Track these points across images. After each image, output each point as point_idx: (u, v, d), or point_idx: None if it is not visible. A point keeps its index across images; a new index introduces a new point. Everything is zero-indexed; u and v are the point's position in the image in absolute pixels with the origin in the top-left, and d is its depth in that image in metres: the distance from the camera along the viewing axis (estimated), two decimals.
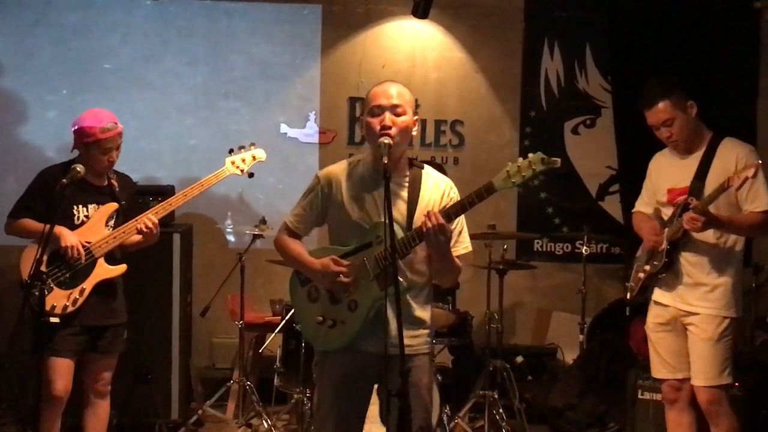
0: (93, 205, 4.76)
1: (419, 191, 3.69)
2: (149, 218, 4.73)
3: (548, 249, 7.60)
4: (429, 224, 3.42)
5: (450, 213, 3.50)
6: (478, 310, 6.59)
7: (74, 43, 7.22)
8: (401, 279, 3.52)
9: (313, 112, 7.41)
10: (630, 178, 6.97)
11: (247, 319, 6.22)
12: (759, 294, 6.76)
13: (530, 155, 3.41)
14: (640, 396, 5.52)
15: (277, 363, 5.99)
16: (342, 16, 7.40)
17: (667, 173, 4.71)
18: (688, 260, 4.54)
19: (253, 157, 5.15)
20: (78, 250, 4.58)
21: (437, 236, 3.43)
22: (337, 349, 3.71)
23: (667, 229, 4.59)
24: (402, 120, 3.61)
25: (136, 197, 5.14)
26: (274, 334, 6.00)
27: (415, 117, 3.71)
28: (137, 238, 4.81)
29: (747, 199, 4.40)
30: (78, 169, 4.35)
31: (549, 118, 7.57)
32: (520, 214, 7.53)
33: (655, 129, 4.62)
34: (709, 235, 4.47)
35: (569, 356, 7.09)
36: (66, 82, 7.22)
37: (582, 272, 6.70)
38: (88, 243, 4.65)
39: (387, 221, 3.33)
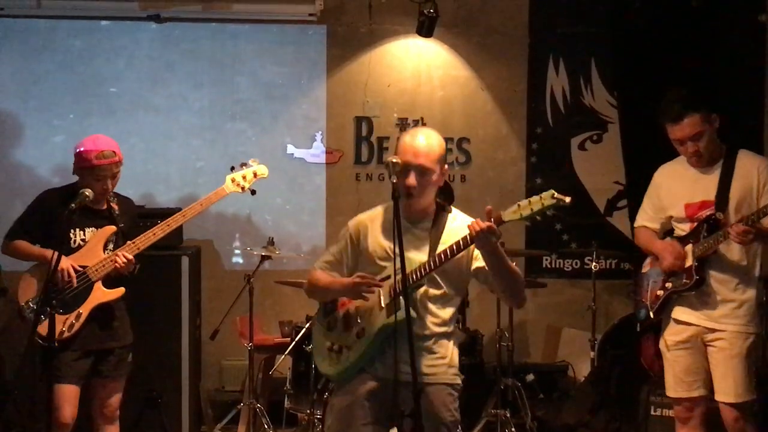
0: (91, 228, 4.74)
1: (442, 234, 3.72)
2: (125, 255, 4.67)
3: (557, 266, 7.57)
4: (477, 228, 3.42)
5: (461, 243, 3.54)
6: (488, 328, 6.57)
7: (80, 67, 7.24)
8: (412, 311, 3.51)
9: (320, 132, 7.41)
10: (638, 193, 6.86)
11: (257, 341, 6.20)
12: None
13: (542, 193, 3.41)
14: (652, 412, 5.50)
15: (287, 385, 5.98)
16: (347, 36, 7.41)
17: (683, 187, 4.61)
18: (715, 277, 4.46)
19: (255, 174, 5.08)
20: (69, 273, 4.56)
21: (487, 237, 3.44)
22: (338, 374, 3.76)
23: (691, 246, 4.49)
24: (427, 179, 3.66)
25: (137, 220, 5.08)
26: (283, 355, 5.98)
27: (445, 166, 3.78)
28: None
29: None
30: (86, 193, 4.35)
31: (556, 135, 7.56)
32: (528, 231, 7.51)
33: (679, 143, 4.51)
34: (735, 252, 4.43)
35: (580, 373, 7.05)
36: (72, 106, 7.23)
37: (591, 288, 6.68)
38: (84, 267, 4.63)
39: (396, 246, 3.36)
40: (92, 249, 4.70)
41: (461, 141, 7.47)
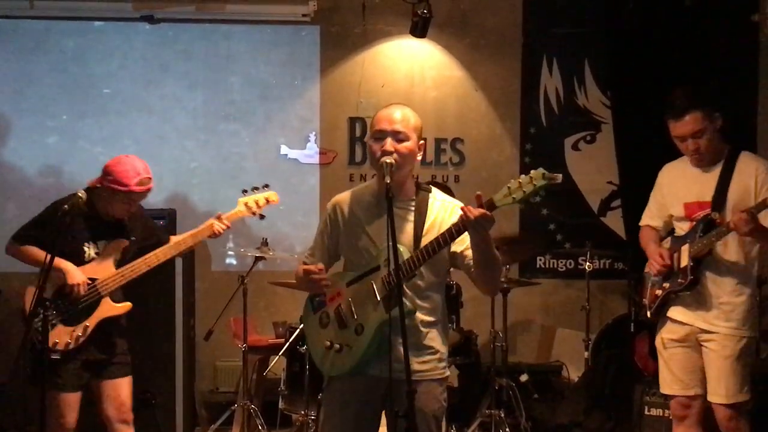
0: (102, 241, 4.73)
1: (425, 214, 3.67)
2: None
3: (551, 266, 7.58)
4: (471, 216, 3.34)
5: (452, 231, 3.47)
6: (482, 328, 6.57)
7: (73, 68, 7.23)
8: (407, 302, 3.52)
9: (313, 133, 7.41)
10: (631, 193, 6.98)
11: (251, 342, 6.19)
12: (764, 307, 6.72)
13: (532, 171, 3.34)
14: (646, 412, 5.50)
15: (281, 386, 5.96)
16: (340, 36, 7.41)
17: (683, 186, 4.61)
18: (710, 278, 4.45)
19: (267, 200, 5.12)
20: (83, 288, 4.56)
21: (481, 224, 3.37)
22: (344, 373, 3.69)
23: (687, 246, 4.48)
24: (404, 146, 3.60)
25: (148, 228, 5.07)
26: (278, 356, 5.98)
27: (421, 141, 3.70)
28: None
29: None
30: (79, 195, 4.33)
31: (549, 135, 7.57)
32: (522, 230, 7.51)
33: (681, 140, 4.49)
34: (732, 254, 4.42)
35: (574, 373, 7.06)
36: (66, 107, 7.22)
37: (585, 288, 6.69)
38: (94, 280, 4.62)
39: (391, 242, 3.31)
40: (103, 262, 4.68)
41: (455, 141, 7.47)
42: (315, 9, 7.11)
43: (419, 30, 6.88)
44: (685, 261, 4.48)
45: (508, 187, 3.37)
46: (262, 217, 5.15)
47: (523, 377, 6.92)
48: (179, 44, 7.32)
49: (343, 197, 3.82)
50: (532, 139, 7.56)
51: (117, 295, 4.76)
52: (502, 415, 5.93)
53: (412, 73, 7.45)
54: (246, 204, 5.08)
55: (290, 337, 5.85)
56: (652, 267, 4.65)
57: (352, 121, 7.42)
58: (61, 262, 4.52)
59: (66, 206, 4.24)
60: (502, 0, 7.51)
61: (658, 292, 4.64)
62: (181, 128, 7.33)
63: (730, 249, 4.43)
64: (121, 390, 4.79)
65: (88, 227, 4.67)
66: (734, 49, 7.27)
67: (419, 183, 3.78)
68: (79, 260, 4.63)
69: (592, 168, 7.53)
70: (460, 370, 6.37)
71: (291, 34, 7.38)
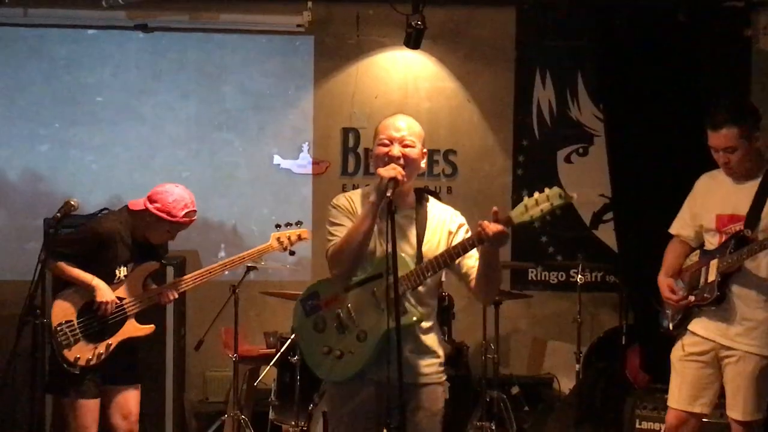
0: (132, 263, 4.76)
1: (426, 223, 3.71)
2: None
3: (543, 278, 7.58)
4: (490, 232, 3.38)
5: (466, 244, 3.51)
6: (473, 340, 6.56)
7: (66, 76, 7.21)
8: (413, 310, 3.59)
9: (306, 143, 7.40)
10: (623, 206, 6.98)
11: (241, 352, 6.17)
12: None
13: (547, 189, 3.39)
14: (637, 425, 5.50)
15: (272, 396, 5.95)
16: (334, 47, 7.41)
17: (717, 197, 4.51)
18: (737, 294, 4.37)
19: (299, 237, 5.20)
20: (112, 307, 4.58)
21: (499, 241, 3.42)
22: (345, 379, 3.70)
23: (717, 260, 4.39)
24: (411, 151, 3.65)
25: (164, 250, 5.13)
26: (268, 367, 5.96)
27: (424, 150, 3.75)
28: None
29: None
30: (72, 202, 4.34)
31: (542, 147, 7.57)
32: (514, 243, 7.49)
33: (714, 150, 4.42)
34: (763, 270, 4.35)
35: (565, 386, 7.05)
36: (58, 115, 7.20)
37: (577, 301, 6.67)
38: (122, 299, 4.65)
39: (391, 254, 3.35)
40: (132, 282, 4.73)
41: (447, 153, 7.47)
42: (309, 19, 7.11)
43: (413, 41, 6.89)
44: (713, 276, 4.41)
45: (525, 205, 3.42)
46: (292, 253, 5.25)
47: (514, 389, 6.91)
48: (172, 53, 7.31)
49: (353, 197, 3.80)
50: (524, 152, 7.56)
51: (142, 317, 4.79)
52: (493, 427, 5.93)
53: (406, 84, 7.45)
54: (278, 239, 5.18)
55: (281, 348, 5.84)
56: (664, 299, 4.62)
57: (346, 131, 7.41)
58: (92, 279, 4.57)
59: (58, 213, 4.24)
60: (496, 12, 7.52)
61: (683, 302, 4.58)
62: (173, 137, 7.31)
63: (760, 265, 4.35)
64: (129, 399, 4.82)
65: (125, 249, 4.71)
66: (727, 63, 7.28)
67: (418, 190, 3.81)
68: (110, 280, 4.66)
69: (585, 181, 7.53)
70: (451, 381, 6.27)
71: (285, 44, 7.38)
